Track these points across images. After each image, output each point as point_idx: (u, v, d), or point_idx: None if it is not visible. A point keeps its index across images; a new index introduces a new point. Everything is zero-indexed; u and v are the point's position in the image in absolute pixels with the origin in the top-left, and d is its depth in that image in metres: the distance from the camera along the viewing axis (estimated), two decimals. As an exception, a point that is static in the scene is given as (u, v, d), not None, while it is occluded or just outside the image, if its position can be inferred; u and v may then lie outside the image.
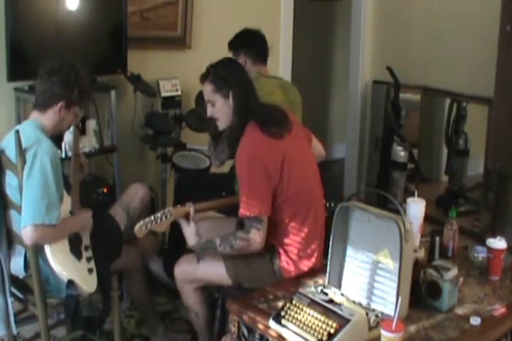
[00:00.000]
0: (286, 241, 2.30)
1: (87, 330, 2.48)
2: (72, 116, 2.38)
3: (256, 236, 2.20)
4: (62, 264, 2.19)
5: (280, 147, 2.27)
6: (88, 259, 2.31)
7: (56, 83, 2.29)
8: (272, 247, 2.31)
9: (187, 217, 2.36)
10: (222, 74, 2.34)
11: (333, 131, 5.90)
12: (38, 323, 2.33)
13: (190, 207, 2.37)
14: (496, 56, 3.28)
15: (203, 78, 2.37)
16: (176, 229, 3.23)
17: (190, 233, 2.34)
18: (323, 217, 2.39)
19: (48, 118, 2.33)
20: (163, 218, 2.29)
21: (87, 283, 2.25)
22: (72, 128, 2.88)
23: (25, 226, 2.13)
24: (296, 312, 1.88)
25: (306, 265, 2.31)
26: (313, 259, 2.32)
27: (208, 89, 2.35)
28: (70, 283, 2.18)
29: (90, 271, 2.29)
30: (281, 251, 2.30)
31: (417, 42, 4.26)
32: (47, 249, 2.18)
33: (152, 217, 2.29)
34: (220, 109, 2.35)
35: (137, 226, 2.27)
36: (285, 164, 2.24)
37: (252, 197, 2.21)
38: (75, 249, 2.27)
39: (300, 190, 2.29)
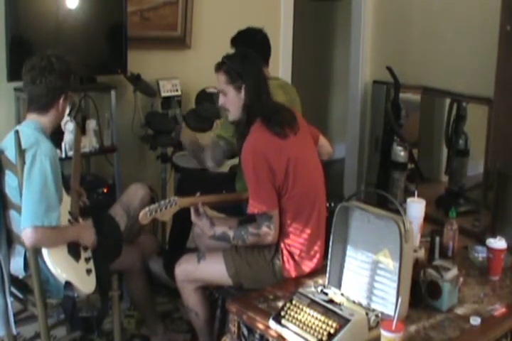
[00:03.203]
0: (289, 241, 2.30)
1: (86, 331, 2.47)
2: (67, 102, 2.38)
3: (267, 232, 2.23)
4: (59, 265, 2.18)
5: (285, 147, 2.27)
6: (87, 260, 2.31)
7: (54, 81, 2.26)
8: (274, 247, 2.31)
9: (193, 207, 2.35)
10: (237, 67, 2.33)
11: (333, 131, 5.90)
12: (38, 323, 2.33)
13: (197, 197, 2.37)
14: (496, 56, 3.28)
15: (218, 67, 2.36)
16: (176, 228, 3.25)
17: (205, 226, 2.34)
18: (325, 218, 2.39)
19: (49, 117, 2.32)
20: (168, 206, 2.30)
21: (85, 284, 2.24)
22: (72, 128, 2.90)
23: (24, 227, 2.13)
24: (296, 312, 1.88)
25: (308, 266, 2.32)
26: (315, 260, 2.33)
27: (221, 79, 2.35)
28: (67, 284, 2.18)
29: (88, 271, 2.29)
30: (284, 251, 2.30)
31: (417, 42, 4.26)
32: (44, 250, 2.17)
33: (157, 205, 2.29)
34: (232, 101, 2.35)
35: (142, 213, 2.27)
36: (290, 164, 2.25)
37: (258, 194, 2.23)
38: (73, 250, 2.27)
39: (304, 190, 2.30)
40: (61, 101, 2.31)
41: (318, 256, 2.33)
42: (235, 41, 3.00)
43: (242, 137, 2.35)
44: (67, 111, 2.51)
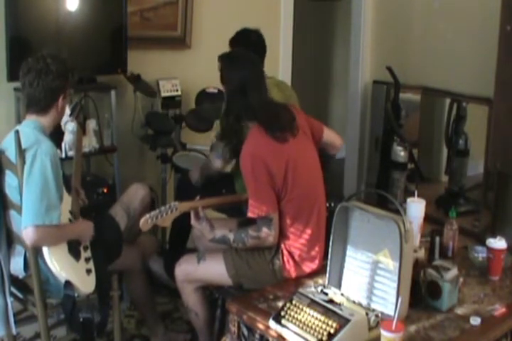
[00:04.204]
0: (289, 242, 2.30)
1: (84, 334, 2.43)
2: (67, 100, 2.39)
3: (267, 235, 2.23)
4: (60, 264, 2.18)
5: (284, 150, 2.26)
6: (87, 260, 2.30)
7: (51, 81, 2.25)
8: (275, 248, 2.31)
9: (193, 211, 2.35)
10: (222, 70, 2.36)
11: (333, 131, 5.90)
12: (38, 323, 2.33)
13: (197, 201, 2.37)
14: (496, 56, 3.28)
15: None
16: (176, 228, 3.25)
17: (205, 230, 2.34)
18: (325, 219, 2.39)
19: (49, 118, 2.32)
20: (169, 212, 2.29)
21: (85, 284, 2.24)
22: (73, 128, 2.89)
23: (25, 227, 2.13)
24: (296, 312, 1.87)
25: (308, 267, 2.32)
26: (317, 261, 2.32)
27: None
28: (67, 283, 2.17)
29: (88, 271, 2.28)
30: (284, 252, 2.30)
31: (417, 42, 4.26)
32: (44, 249, 2.17)
33: (158, 211, 2.28)
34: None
35: (142, 220, 2.27)
36: (289, 167, 2.25)
37: (258, 197, 2.23)
38: (74, 249, 2.27)
39: (303, 193, 2.29)
40: (60, 100, 2.31)
41: (318, 257, 2.32)
42: (232, 42, 3.02)
43: (238, 140, 2.34)
44: (68, 110, 2.50)
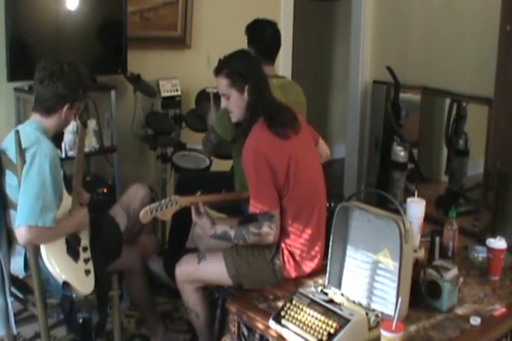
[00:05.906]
0: (290, 242, 2.30)
1: (83, 335, 2.39)
2: (74, 112, 2.37)
3: (268, 232, 2.23)
4: (58, 265, 2.18)
5: (286, 147, 2.27)
6: (86, 260, 2.30)
7: (61, 88, 2.25)
8: (275, 247, 2.31)
9: (194, 207, 2.35)
10: (238, 68, 2.33)
11: (333, 131, 5.90)
12: (38, 323, 2.33)
13: (198, 196, 2.37)
14: (496, 56, 3.28)
15: (218, 71, 2.36)
16: (176, 228, 3.25)
17: (206, 225, 2.34)
18: (325, 218, 2.39)
19: (51, 121, 2.31)
20: (169, 205, 2.29)
21: (83, 285, 2.24)
22: (73, 128, 2.89)
23: (19, 225, 2.13)
24: (296, 312, 1.87)
25: (308, 267, 2.31)
26: (316, 261, 2.32)
27: (223, 83, 2.34)
28: (65, 284, 2.17)
29: (87, 272, 2.28)
30: (284, 251, 2.30)
31: (417, 42, 4.26)
32: (42, 249, 2.17)
33: (158, 203, 2.28)
34: (235, 103, 2.34)
35: (142, 212, 2.26)
36: (291, 165, 2.25)
37: (260, 193, 2.23)
38: (73, 250, 2.27)
39: (305, 192, 2.29)
40: (65, 109, 2.29)
41: (318, 256, 2.32)
42: (248, 30, 2.98)
43: (244, 136, 2.35)
44: (73, 122, 2.46)
